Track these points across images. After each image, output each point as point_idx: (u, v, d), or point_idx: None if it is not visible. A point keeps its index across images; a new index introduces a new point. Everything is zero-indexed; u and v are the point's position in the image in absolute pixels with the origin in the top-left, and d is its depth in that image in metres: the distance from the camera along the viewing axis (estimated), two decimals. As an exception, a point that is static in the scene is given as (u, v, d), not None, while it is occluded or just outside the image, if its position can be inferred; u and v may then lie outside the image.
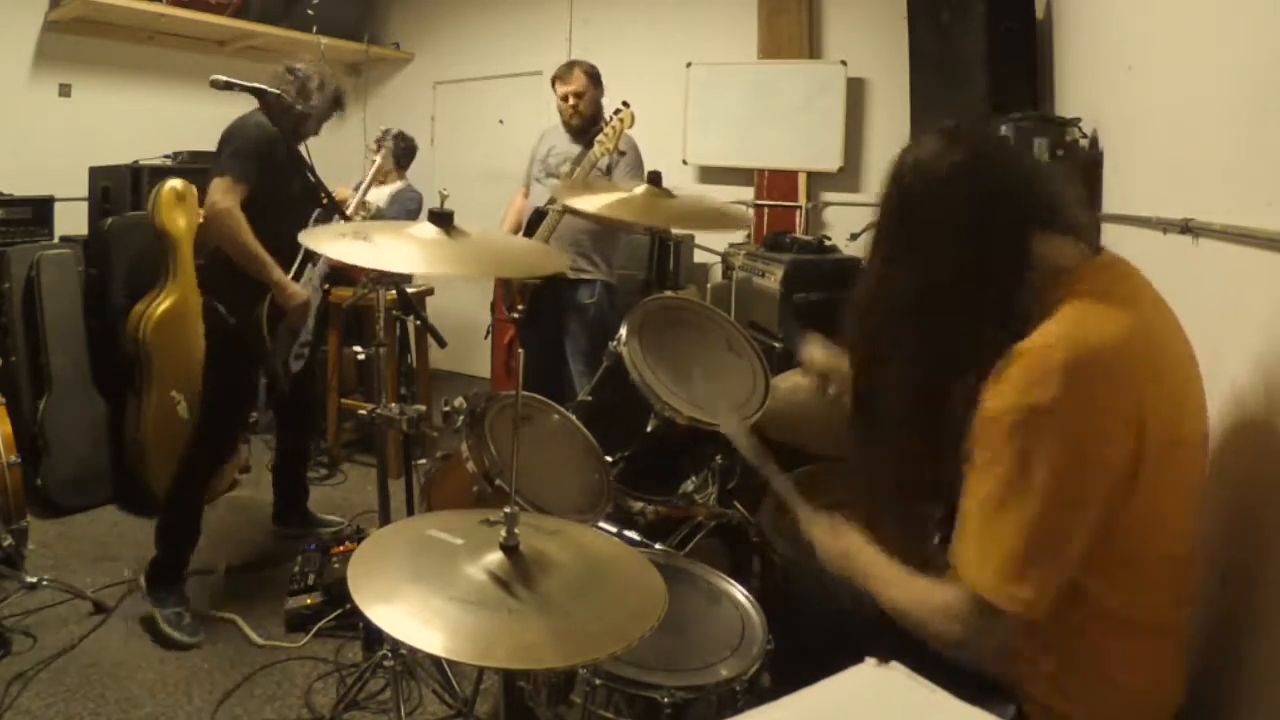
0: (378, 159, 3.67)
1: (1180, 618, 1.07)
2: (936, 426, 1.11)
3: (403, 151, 4.37)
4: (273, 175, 2.55)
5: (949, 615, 1.02)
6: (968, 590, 1.01)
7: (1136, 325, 1.02)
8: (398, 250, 1.52)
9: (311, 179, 2.60)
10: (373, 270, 1.96)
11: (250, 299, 2.58)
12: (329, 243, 1.53)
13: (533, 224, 3.21)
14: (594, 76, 3.29)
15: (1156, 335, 1.04)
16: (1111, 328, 1.00)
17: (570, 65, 3.30)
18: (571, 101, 3.25)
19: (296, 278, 2.65)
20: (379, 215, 4.07)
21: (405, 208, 4.16)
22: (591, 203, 2.21)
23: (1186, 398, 1.05)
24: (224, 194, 2.49)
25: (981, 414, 1.01)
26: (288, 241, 2.57)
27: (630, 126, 3.04)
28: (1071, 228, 1.09)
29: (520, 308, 3.29)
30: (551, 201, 3.15)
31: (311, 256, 2.70)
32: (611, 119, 3.03)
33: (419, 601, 1.06)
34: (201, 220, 2.57)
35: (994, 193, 1.06)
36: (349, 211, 2.98)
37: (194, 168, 3.54)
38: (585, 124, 3.27)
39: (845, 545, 1.20)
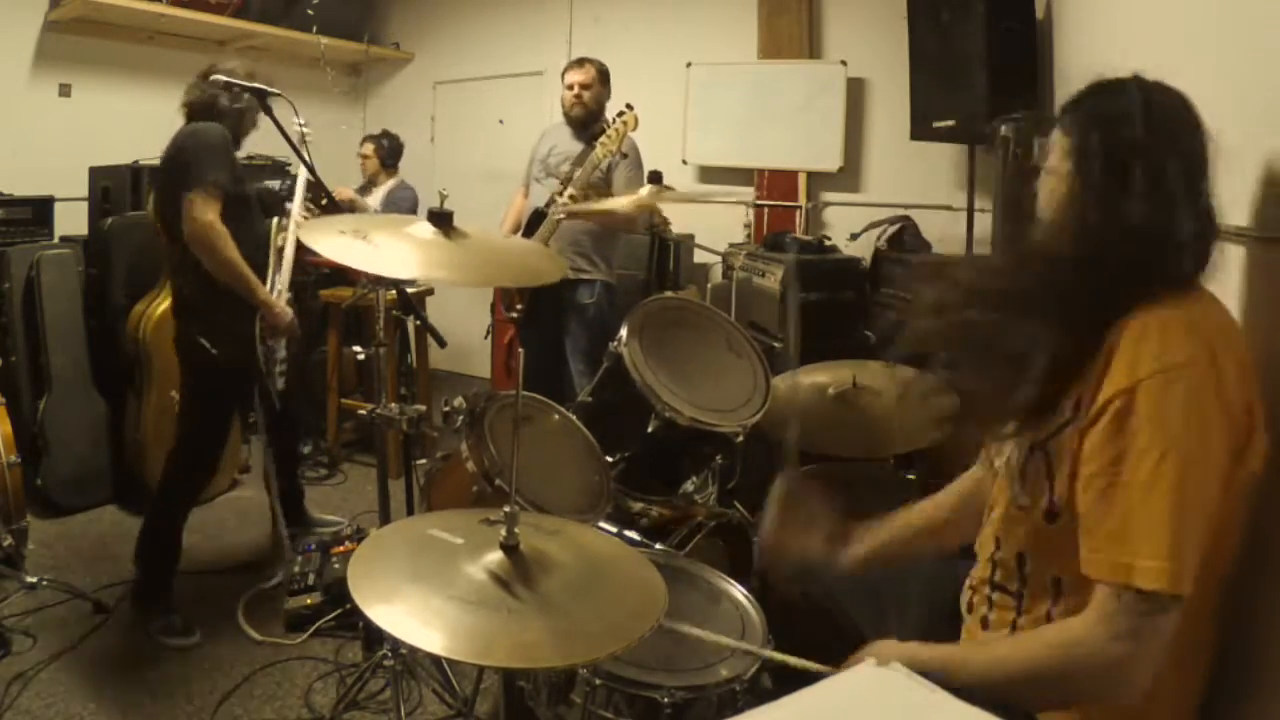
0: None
1: (1202, 618, 1.06)
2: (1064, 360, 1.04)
3: (389, 151, 4.38)
4: (239, 181, 2.50)
5: (1110, 634, 0.93)
6: (1125, 592, 0.92)
7: (1234, 329, 1.04)
8: (395, 254, 1.51)
9: (313, 180, 2.60)
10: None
11: (232, 324, 2.49)
12: (327, 242, 1.52)
13: (532, 224, 3.21)
14: (604, 75, 3.31)
15: (1236, 327, 1.05)
16: (1221, 326, 1.01)
17: (583, 59, 3.32)
18: (577, 91, 3.25)
19: (271, 292, 2.59)
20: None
21: (399, 206, 4.18)
22: (590, 205, 2.23)
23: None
24: (203, 207, 2.37)
25: (1111, 393, 0.96)
26: (252, 251, 2.55)
27: (634, 129, 3.03)
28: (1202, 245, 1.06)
29: (519, 307, 3.29)
30: (551, 202, 3.14)
31: (276, 267, 2.63)
32: (615, 120, 3.03)
33: (419, 601, 1.06)
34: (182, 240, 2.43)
35: (1191, 155, 1.03)
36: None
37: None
38: (587, 118, 3.27)
39: (938, 661, 1.04)
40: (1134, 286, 1.01)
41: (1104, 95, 1.10)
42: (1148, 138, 1.03)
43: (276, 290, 2.62)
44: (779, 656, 1.29)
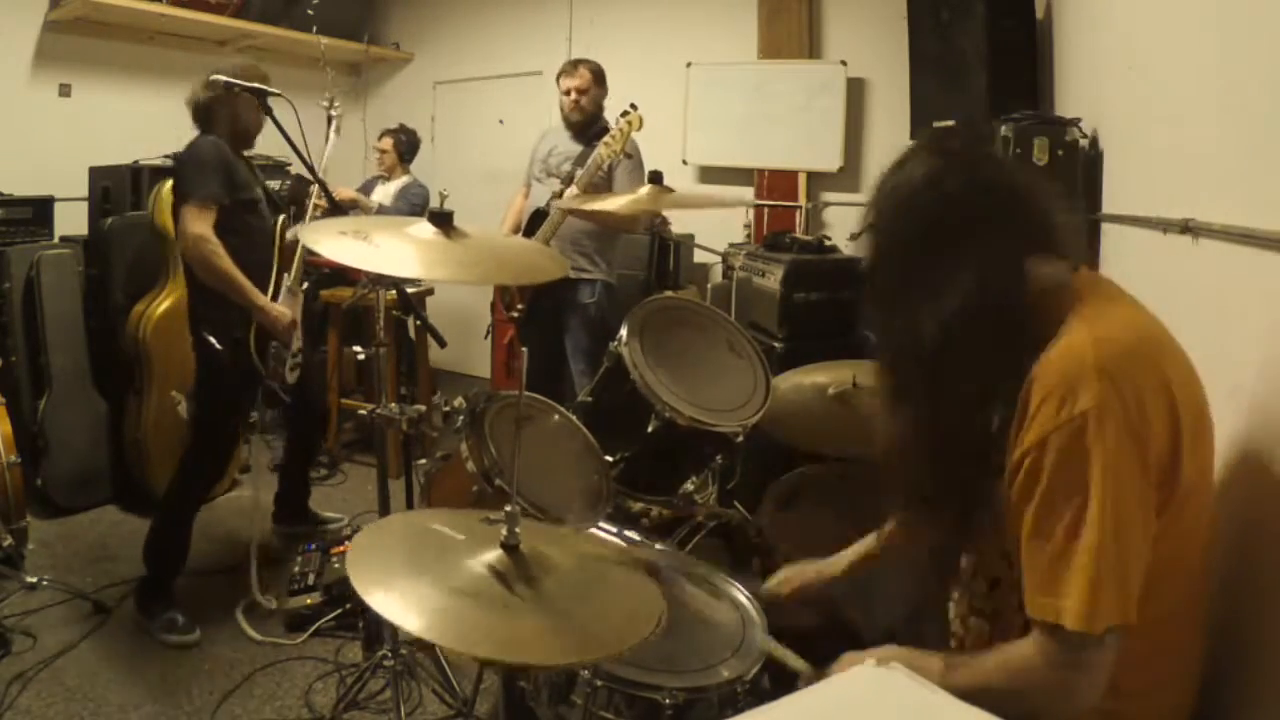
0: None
1: (1192, 625, 1.06)
2: (960, 468, 1.08)
3: (407, 146, 4.39)
4: (236, 190, 2.53)
5: (1047, 664, 0.97)
6: (1057, 630, 0.96)
7: (1145, 318, 1.04)
8: (396, 254, 1.51)
9: (313, 180, 2.61)
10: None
11: (237, 322, 2.54)
12: (327, 242, 1.52)
13: (533, 224, 3.21)
14: (599, 75, 3.30)
15: (1161, 328, 1.05)
16: (1125, 323, 1.02)
17: (576, 62, 3.31)
18: (574, 97, 3.26)
19: (275, 295, 2.62)
20: (383, 211, 4.09)
21: (411, 203, 4.19)
22: (593, 205, 2.23)
23: (1198, 384, 1.04)
24: (195, 220, 2.43)
25: (1024, 449, 0.98)
26: (258, 257, 2.59)
27: (638, 129, 3.02)
28: (1061, 246, 1.08)
29: (519, 307, 3.29)
30: (551, 202, 3.14)
31: (284, 267, 2.67)
32: (619, 121, 3.02)
33: (418, 590, 1.05)
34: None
35: (987, 221, 1.04)
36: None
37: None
38: (586, 121, 3.27)
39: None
40: (1008, 348, 1.03)
41: (891, 178, 1.14)
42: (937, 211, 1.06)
43: (284, 288, 2.64)
44: (771, 645, 1.30)
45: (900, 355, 1.12)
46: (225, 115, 2.58)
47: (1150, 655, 1.02)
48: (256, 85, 2.43)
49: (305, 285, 2.76)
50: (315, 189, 2.80)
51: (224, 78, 2.45)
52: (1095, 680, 0.97)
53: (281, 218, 2.71)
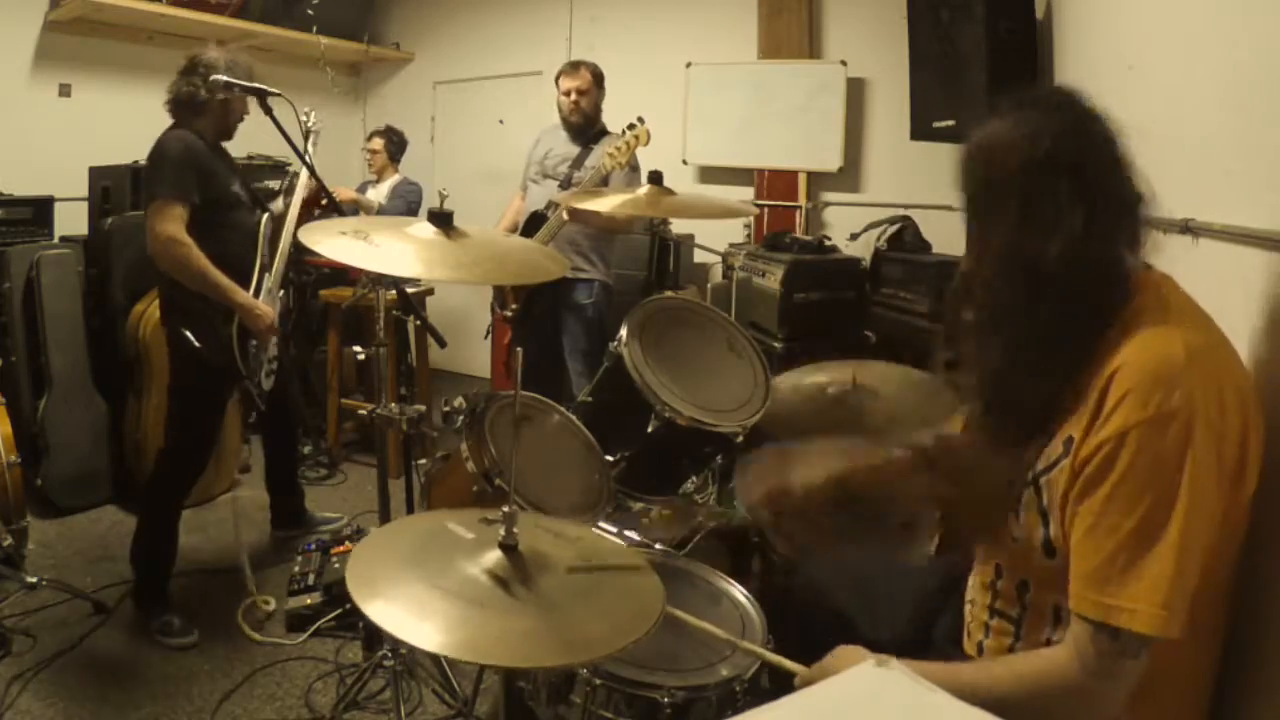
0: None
1: (1207, 638, 1.05)
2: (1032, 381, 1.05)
3: (396, 146, 4.42)
4: (210, 186, 2.46)
5: (1083, 670, 0.95)
6: (1107, 631, 0.93)
7: (1220, 331, 1.03)
8: (396, 254, 1.51)
9: (313, 179, 2.60)
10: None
11: (216, 320, 2.48)
12: (328, 241, 1.52)
13: (530, 226, 3.20)
14: (599, 77, 3.30)
15: (1230, 344, 1.04)
16: (1205, 325, 1.01)
17: (576, 64, 3.31)
18: (574, 98, 3.25)
19: (256, 292, 2.55)
20: (381, 210, 4.10)
21: (406, 200, 4.22)
22: (595, 206, 2.23)
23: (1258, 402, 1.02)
24: (164, 220, 2.35)
25: (1100, 439, 0.95)
26: (238, 253, 2.53)
27: (645, 144, 2.99)
28: (1140, 237, 1.06)
29: (513, 306, 3.29)
30: (550, 205, 3.14)
31: (265, 265, 2.61)
32: (626, 133, 3.01)
33: (418, 599, 1.05)
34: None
35: (1114, 159, 1.02)
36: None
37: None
38: (584, 123, 3.27)
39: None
40: (1087, 315, 1.01)
41: (992, 126, 1.10)
42: (1041, 157, 1.03)
43: (264, 289, 2.58)
44: (760, 650, 1.29)
45: (999, 269, 1.07)
46: (216, 110, 2.53)
47: (1167, 667, 0.99)
48: (257, 86, 2.42)
49: (283, 292, 2.69)
50: (300, 182, 2.76)
51: (224, 78, 2.44)
52: (1123, 692, 0.95)
53: (265, 216, 2.65)
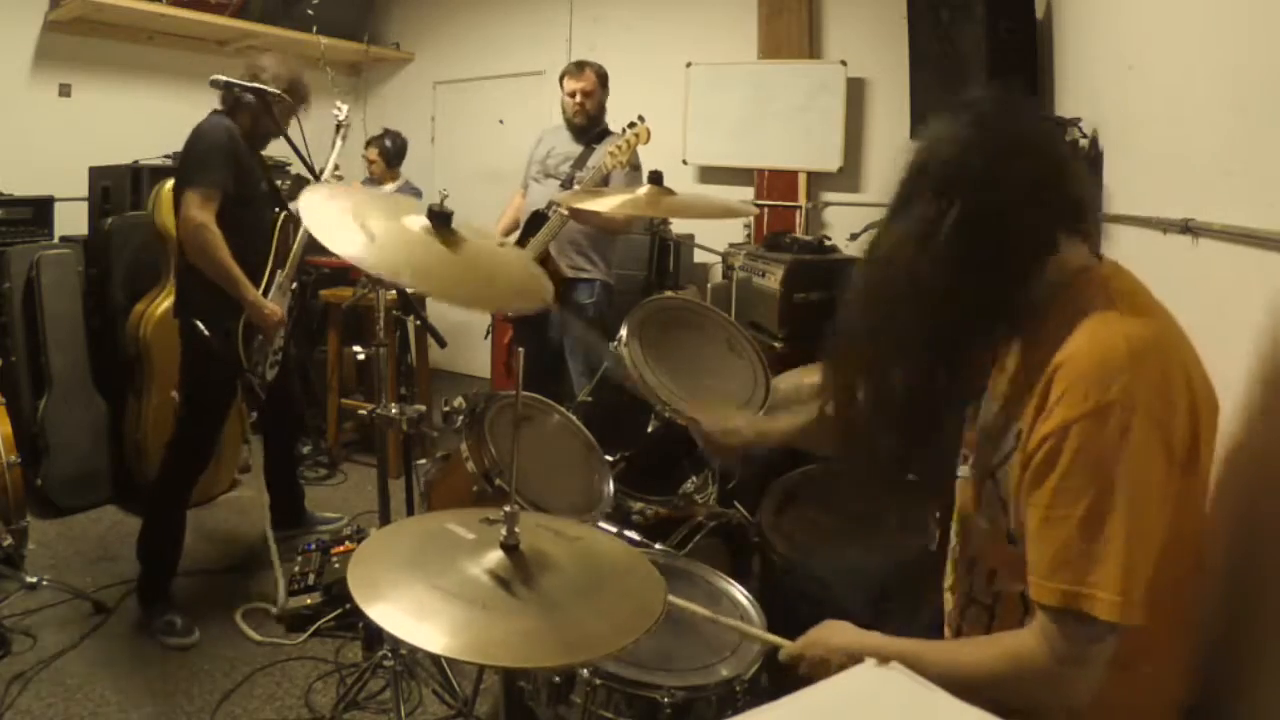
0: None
1: (1190, 622, 1.06)
2: (933, 424, 1.09)
3: (393, 151, 4.41)
4: (241, 181, 2.50)
5: (1051, 655, 0.96)
6: (1070, 617, 0.94)
7: (1163, 311, 1.03)
8: (391, 252, 1.49)
9: (335, 176, 2.62)
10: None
11: (227, 313, 2.53)
12: (327, 225, 1.49)
13: (531, 225, 3.20)
14: (603, 78, 3.30)
15: (1175, 321, 1.04)
16: (1149, 315, 1.01)
17: (582, 64, 3.31)
18: (579, 99, 3.25)
19: (266, 290, 2.60)
20: None
21: None
22: (596, 206, 2.23)
23: (1208, 378, 1.03)
24: (199, 208, 2.40)
25: (1043, 434, 0.97)
26: (255, 249, 2.58)
27: (645, 142, 3.01)
28: (1088, 231, 1.07)
29: None
30: (551, 205, 3.13)
31: (278, 263, 2.65)
32: (627, 132, 3.01)
33: (418, 599, 1.05)
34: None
35: (1031, 183, 1.01)
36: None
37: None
38: (588, 123, 3.27)
39: (888, 652, 1.01)
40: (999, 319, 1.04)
41: (935, 129, 1.10)
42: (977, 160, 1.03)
43: (275, 285, 2.62)
44: (742, 626, 1.30)
45: (904, 301, 1.07)
46: (252, 114, 2.56)
47: (1137, 650, 1.00)
48: (258, 86, 2.44)
49: (295, 285, 2.73)
50: (326, 177, 2.82)
51: (223, 78, 2.45)
52: (1093, 676, 0.97)
53: (282, 214, 2.69)
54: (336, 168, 2.86)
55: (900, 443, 1.12)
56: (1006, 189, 1.01)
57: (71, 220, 3.75)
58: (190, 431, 2.65)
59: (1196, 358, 1.03)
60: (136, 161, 3.70)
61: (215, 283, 2.47)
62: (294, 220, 2.72)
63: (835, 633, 1.16)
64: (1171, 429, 0.94)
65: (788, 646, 1.19)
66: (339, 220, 1.46)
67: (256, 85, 2.47)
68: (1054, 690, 0.98)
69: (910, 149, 1.09)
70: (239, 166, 2.49)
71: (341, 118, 2.99)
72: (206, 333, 2.49)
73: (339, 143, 3.03)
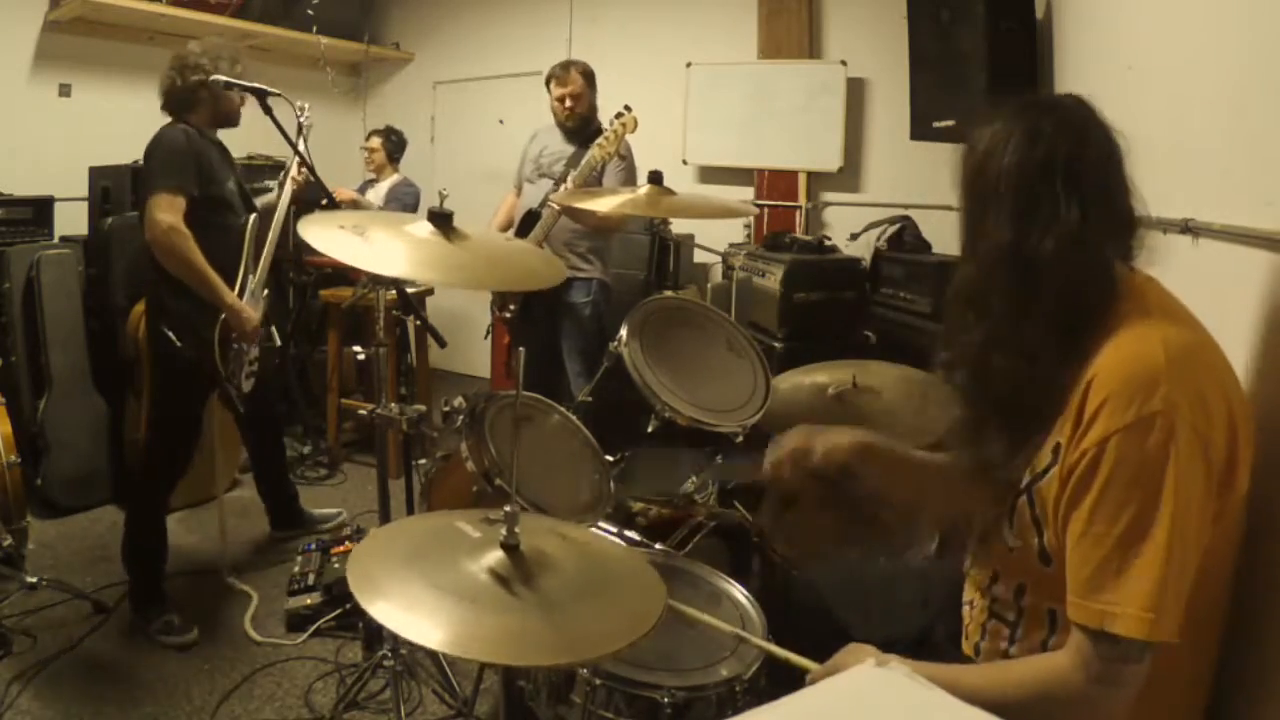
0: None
1: (1201, 642, 1.04)
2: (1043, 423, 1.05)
3: (395, 146, 4.42)
4: (206, 183, 2.46)
5: (1086, 677, 0.94)
6: (1104, 638, 0.92)
7: (1197, 323, 1.02)
8: (392, 254, 1.50)
9: (312, 179, 2.60)
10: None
11: (200, 322, 2.45)
12: (324, 235, 1.51)
13: (525, 224, 3.20)
14: (589, 78, 3.27)
15: (1208, 332, 1.03)
16: (1185, 327, 1.00)
17: (566, 66, 3.27)
18: (568, 104, 3.23)
19: (240, 293, 2.52)
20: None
21: (402, 202, 4.22)
22: (594, 205, 2.23)
23: (1241, 389, 1.02)
24: (165, 210, 2.34)
25: (1083, 448, 0.95)
26: (226, 254, 2.50)
27: (632, 131, 2.99)
28: (1132, 239, 1.06)
29: (511, 308, 3.28)
30: (545, 203, 3.13)
31: (250, 267, 2.58)
32: (614, 122, 3.00)
33: (419, 597, 1.05)
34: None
35: (1121, 182, 1.03)
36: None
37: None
38: (580, 125, 3.26)
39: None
40: (1076, 317, 1.01)
41: (993, 124, 1.09)
42: (1041, 154, 1.03)
43: (248, 290, 2.55)
44: (770, 647, 1.29)
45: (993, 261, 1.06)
46: (208, 103, 2.52)
47: (1166, 670, 0.98)
48: (257, 86, 2.43)
49: (266, 292, 2.65)
50: (289, 175, 2.75)
51: (223, 78, 2.44)
52: (1126, 698, 0.94)
53: (253, 216, 2.61)
54: (302, 168, 2.70)
55: (1008, 446, 1.09)
56: (1114, 187, 1.03)
57: (71, 220, 3.75)
58: (161, 440, 2.60)
59: (1232, 371, 1.01)
60: (136, 161, 3.65)
61: (188, 289, 2.40)
62: (266, 222, 2.67)
63: (861, 656, 1.12)
64: (1212, 443, 0.93)
65: (815, 670, 1.18)
66: (340, 237, 1.48)
67: (254, 86, 2.45)
68: (1088, 712, 0.96)
69: (1000, 147, 1.05)
70: (201, 168, 2.44)
71: (303, 118, 2.86)
72: (179, 343, 2.43)
73: (301, 143, 2.79)
